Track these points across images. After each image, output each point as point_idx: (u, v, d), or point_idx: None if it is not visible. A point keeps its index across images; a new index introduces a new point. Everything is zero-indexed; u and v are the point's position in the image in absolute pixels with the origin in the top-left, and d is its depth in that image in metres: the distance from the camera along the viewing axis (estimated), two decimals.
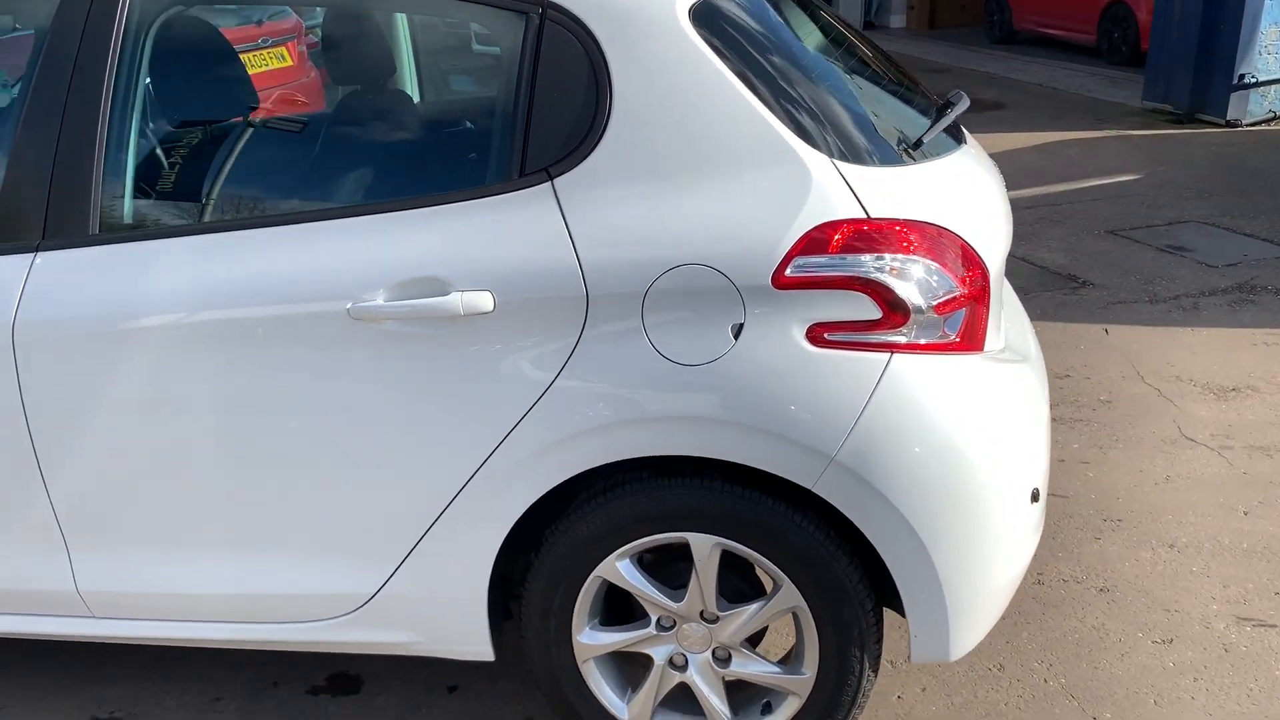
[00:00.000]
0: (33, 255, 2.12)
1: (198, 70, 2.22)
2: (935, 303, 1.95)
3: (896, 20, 15.52)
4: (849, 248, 1.92)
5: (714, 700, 2.19)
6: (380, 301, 1.97)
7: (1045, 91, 10.18)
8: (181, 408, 2.10)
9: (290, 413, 2.07)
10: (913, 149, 2.14)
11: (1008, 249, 2.32)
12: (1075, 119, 8.83)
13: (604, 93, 1.96)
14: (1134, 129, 8.38)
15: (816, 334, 1.93)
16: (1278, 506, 3.19)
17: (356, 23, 2.40)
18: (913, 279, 1.94)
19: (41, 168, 2.10)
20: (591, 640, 2.18)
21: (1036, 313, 4.74)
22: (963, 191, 2.19)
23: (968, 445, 1.96)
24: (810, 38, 2.36)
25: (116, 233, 2.11)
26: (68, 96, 2.09)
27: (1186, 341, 4.40)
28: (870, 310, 1.93)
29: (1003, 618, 2.72)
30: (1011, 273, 5.18)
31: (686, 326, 1.94)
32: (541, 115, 1.98)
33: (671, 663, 2.19)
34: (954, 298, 1.98)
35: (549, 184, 1.97)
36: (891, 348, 1.94)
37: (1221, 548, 3.00)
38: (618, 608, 2.28)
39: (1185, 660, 2.57)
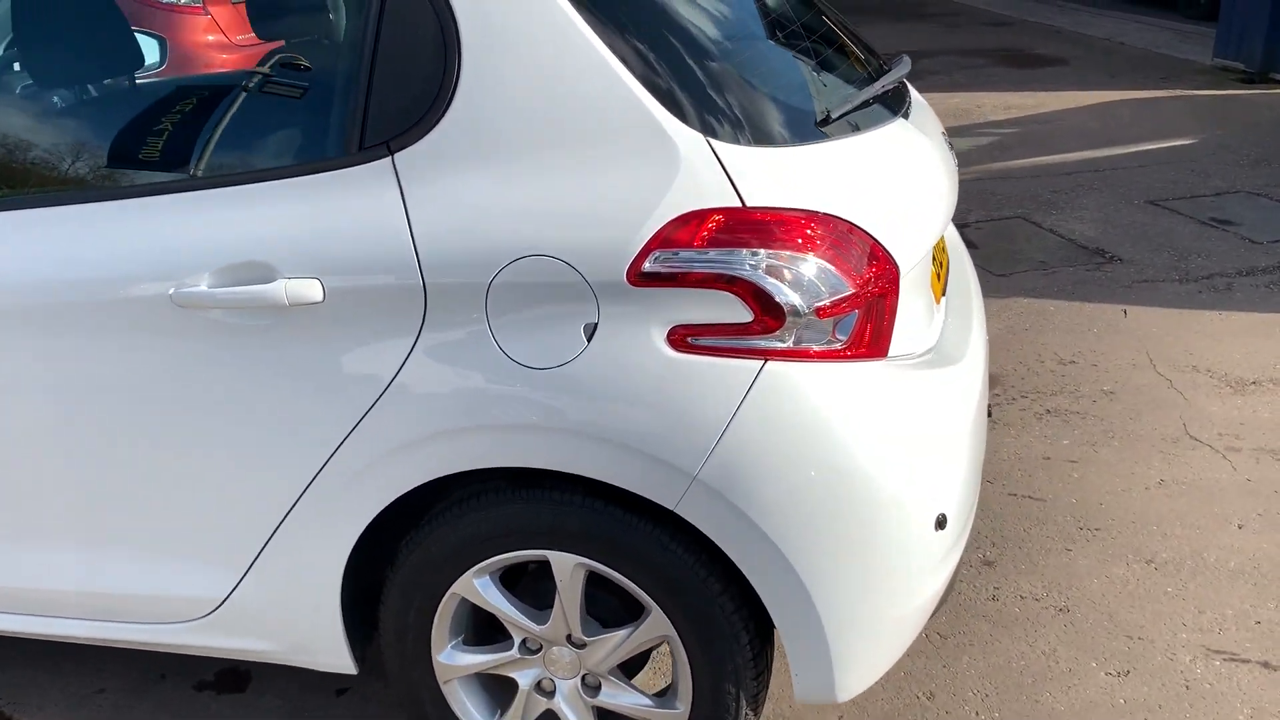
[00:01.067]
0: None
1: (31, 25, 2.05)
2: (818, 305, 1.71)
3: None
4: (716, 241, 1.69)
5: None
6: (204, 288, 1.79)
7: (1111, 47, 9.62)
8: (12, 394, 1.95)
9: (120, 404, 1.90)
10: (822, 124, 1.89)
11: (940, 234, 2.06)
12: (1138, 77, 8.31)
13: (452, 56, 1.74)
14: (1199, 89, 7.85)
15: (679, 337, 1.70)
16: (1278, 521, 2.88)
17: None
18: (790, 277, 1.69)
19: None
20: (452, 661, 2.01)
21: (1054, 290, 4.42)
22: (880, 173, 1.93)
23: (852, 465, 1.73)
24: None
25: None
26: None
27: (1212, 327, 4.05)
28: (740, 312, 1.69)
29: (946, 638, 2.50)
30: (1033, 245, 4.85)
31: (535, 325, 1.73)
32: (384, 81, 1.77)
33: (540, 687, 2.01)
34: (843, 299, 1.73)
35: (389, 159, 1.76)
36: (765, 354, 1.71)
37: (1205, 566, 2.72)
38: (494, 623, 2.10)
39: (1138, 696, 2.31)
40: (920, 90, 2.66)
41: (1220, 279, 4.49)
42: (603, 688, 1.98)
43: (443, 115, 1.74)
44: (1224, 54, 8.41)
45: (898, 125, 2.10)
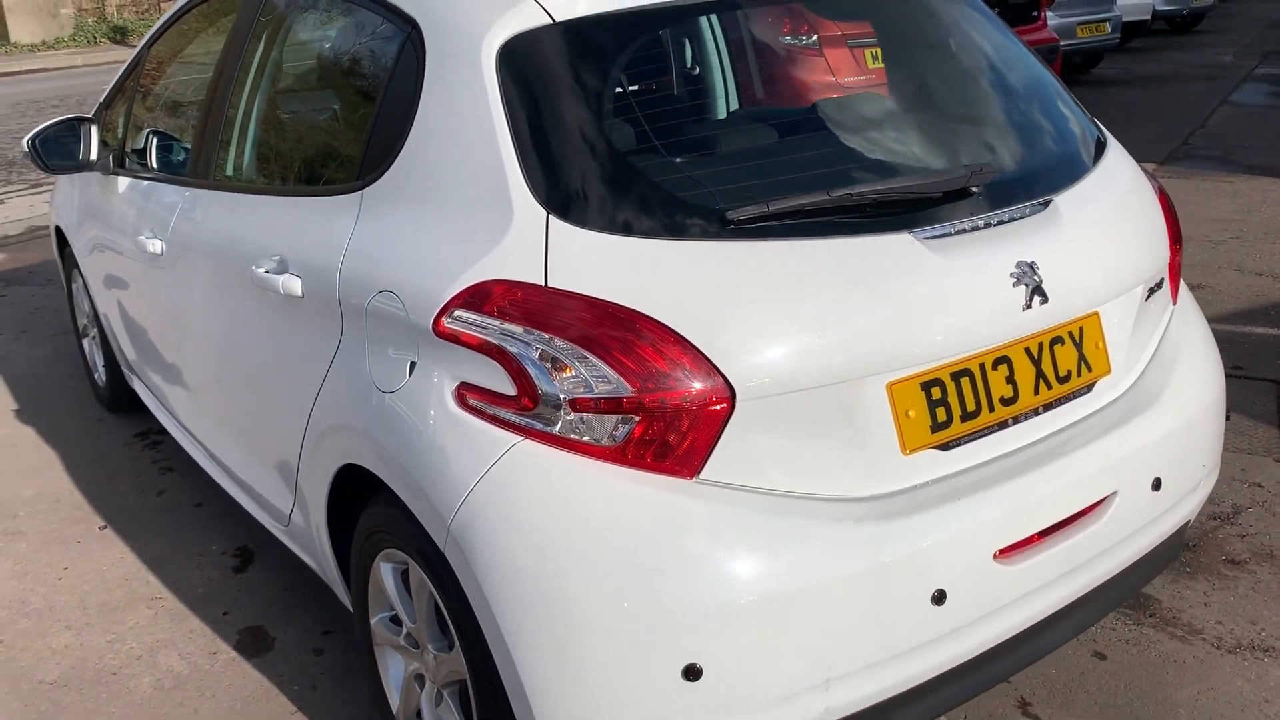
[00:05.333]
0: (184, 189, 2.86)
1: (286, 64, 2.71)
2: (575, 397, 1.67)
3: None
4: (504, 312, 1.74)
5: None
6: (262, 271, 2.31)
7: None
8: (197, 315, 2.70)
9: (234, 338, 2.54)
10: (733, 224, 1.77)
11: (886, 372, 1.77)
12: None
13: (413, 113, 2.01)
14: None
15: (461, 394, 1.79)
16: None
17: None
18: (558, 363, 1.68)
19: (197, 127, 2.83)
20: (378, 628, 2.29)
21: None
22: (777, 287, 1.75)
23: (571, 573, 1.67)
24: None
25: (210, 181, 2.74)
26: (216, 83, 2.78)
27: None
28: (507, 384, 1.73)
29: None
30: None
31: (384, 350, 1.95)
32: (378, 130, 2.10)
33: (419, 679, 2.20)
34: (614, 400, 1.67)
35: (361, 193, 2.09)
36: (524, 432, 1.72)
37: None
38: None
39: None
40: None
41: None
42: (443, 702, 2.11)
43: (391, 164, 2.03)
44: None
45: (885, 241, 1.83)
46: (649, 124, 1.89)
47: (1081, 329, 2.06)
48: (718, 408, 1.68)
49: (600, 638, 1.66)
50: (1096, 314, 2.08)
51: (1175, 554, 2.33)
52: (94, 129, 3.37)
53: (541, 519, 1.69)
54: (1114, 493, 2.03)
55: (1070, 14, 11.33)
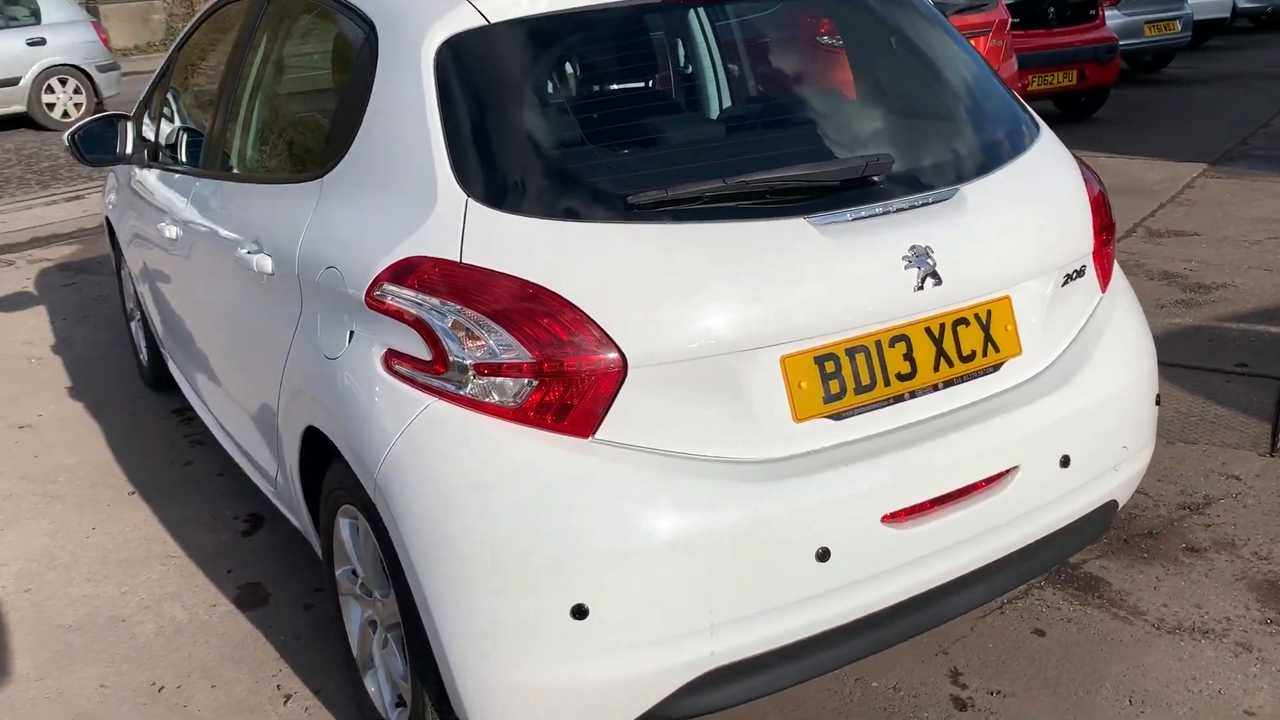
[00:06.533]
0: (195, 180, 3.11)
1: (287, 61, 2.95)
2: (477, 362, 1.85)
3: None
4: (424, 285, 1.93)
5: (380, 674, 2.34)
6: (244, 252, 2.54)
7: None
8: (201, 287, 2.95)
9: (228, 310, 2.78)
10: (635, 208, 1.93)
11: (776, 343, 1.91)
12: None
13: (365, 107, 2.21)
14: None
15: (388, 360, 1.99)
16: None
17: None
18: (466, 331, 1.87)
19: (207, 123, 3.08)
20: (341, 579, 2.49)
21: None
22: (672, 266, 1.90)
23: (481, 521, 1.84)
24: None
25: (214, 173, 2.99)
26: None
27: None
28: (424, 350, 1.92)
29: None
30: None
31: (330, 321, 2.16)
32: (341, 119, 2.31)
33: (372, 624, 2.39)
34: (512, 365, 1.84)
35: (320, 180, 2.30)
36: (437, 393, 1.91)
37: None
38: None
39: None
40: None
41: None
42: (388, 645, 2.30)
43: (346, 153, 2.24)
44: None
45: (780, 225, 1.98)
46: (564, 117, 2.06)
47: (990, 311, 2.16)
48: (612, 374, 1.84)
49: (500, 579, 1.83)
50: (1007, 297, 2.19)
51: (1100, 531, 2.42)
52: (129, 125, 3.66)
53: (450, 472, 1.87)
54: (1015, 467, 2.13)
55: (1137, 12, 11.17)
